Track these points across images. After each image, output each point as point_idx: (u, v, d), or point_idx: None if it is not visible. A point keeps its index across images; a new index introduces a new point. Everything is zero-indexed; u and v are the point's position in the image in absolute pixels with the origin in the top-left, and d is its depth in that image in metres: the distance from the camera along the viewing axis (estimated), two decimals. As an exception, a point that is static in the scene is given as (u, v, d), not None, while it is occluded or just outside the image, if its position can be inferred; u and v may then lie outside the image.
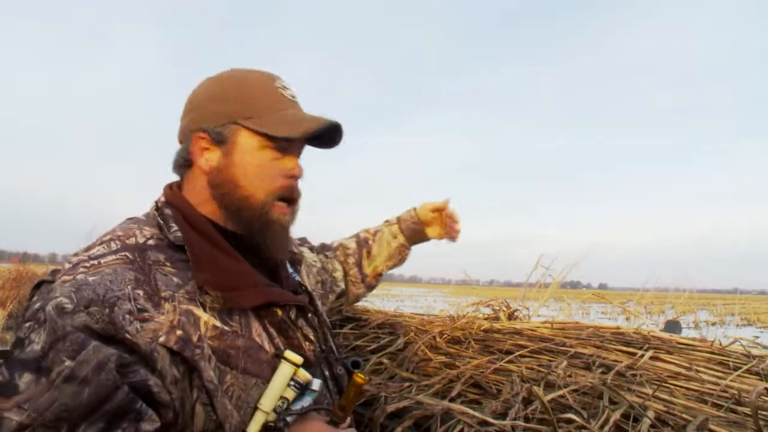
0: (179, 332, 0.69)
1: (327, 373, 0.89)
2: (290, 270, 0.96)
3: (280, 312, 0.82)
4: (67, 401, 0.59)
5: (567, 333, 1.32)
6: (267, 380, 0.74)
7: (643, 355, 1.10)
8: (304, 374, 0.75)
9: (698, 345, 1.16)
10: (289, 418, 0.73)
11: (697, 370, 1.02)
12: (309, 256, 1.20)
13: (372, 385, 1.15)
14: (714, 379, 0.98)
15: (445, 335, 1.38)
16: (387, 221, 1.36)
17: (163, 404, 0.67)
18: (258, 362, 0.75)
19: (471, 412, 0.90)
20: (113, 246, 0.74)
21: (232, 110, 0.80)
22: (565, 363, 1.09)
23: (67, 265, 0.71)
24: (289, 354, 0.75)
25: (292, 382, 0.75)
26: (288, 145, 0.83)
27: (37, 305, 0.66)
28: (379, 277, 1.33)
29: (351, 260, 1.30)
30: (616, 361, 1.09)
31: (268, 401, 0.73)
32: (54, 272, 0.72)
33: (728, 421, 0.83)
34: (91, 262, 0.71)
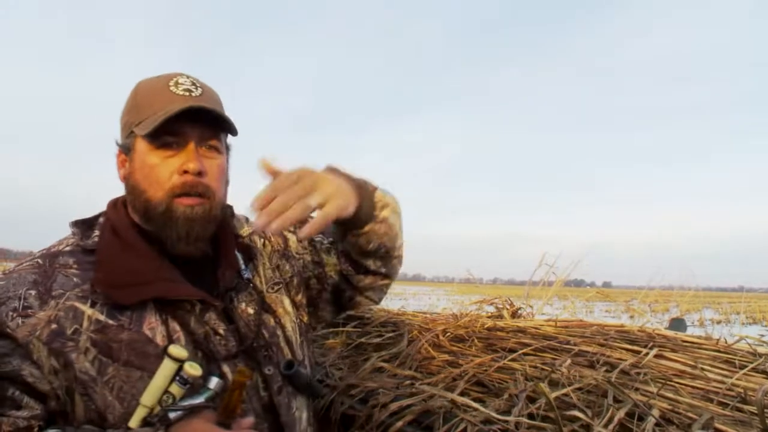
0: (53, 326, 0.75)
1: (228, 370, 0.82)
2: (242, 266, 0.94)
3: (188, 307, 0.83)
4: None
5: (571, 331, 1.31)
6: (152, 373, 0.75)
7: (647, 353, 1.09)
8: (193, 370, 0.75)
9: (704, 343, 1.16)
10: (172, 414, 0.73)
11: (703, 369, 1.01)
12: (293, 247, 1.06)
13: (375, 383, 1.14)
14: (720, 378, 0.98)
15: (449, 333, 1.38)
16: None
17: (43, 393, 0.74)
18: (143, 355, 0.77)
19: (475, 405, 0.89)
20: (36, 254, 0.84)
21: (128, 121, 0.86)
22: (569, 361, 1.08)
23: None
24: (172, 349, 0.76)
25: (178, 378, 0.75)
26: (176, 141, 0.83)
27: None
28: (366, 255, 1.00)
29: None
30: (620, 359, 1.08)
31: (148, 396, 0.74)
32: None
33: (734, 420, 0.82)
34: (14, 268, 0.82)
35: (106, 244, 0.84)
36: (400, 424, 0.97)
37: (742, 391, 0.91)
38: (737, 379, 0.96)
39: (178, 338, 0.80)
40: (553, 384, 0.98)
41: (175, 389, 0.74)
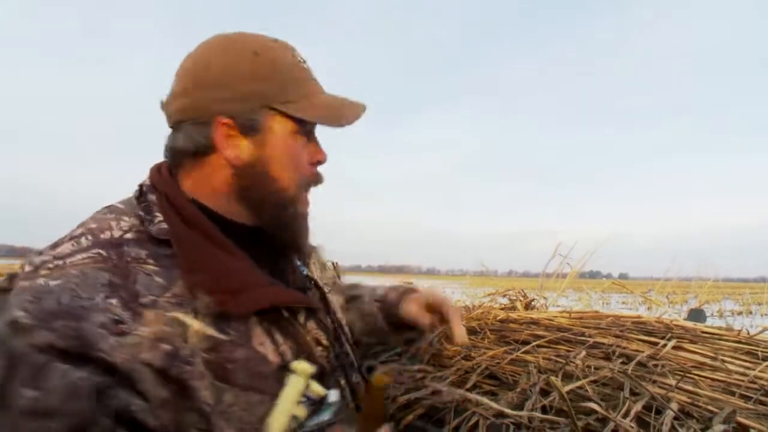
0: (165, 346, 0.58)
1: (342, 381, 0.78)
2: (297, 263, 0.85)
3: (286, 314, 0.70)
4: None
5: (585, 322, 1.28)
6: (273, 396, 0.63)
7: (665, 345, 1.06)
8: (316, 388, 0.64)
9: (724, 334, 1.12)
10: None
11: (724, 360, 0.98)
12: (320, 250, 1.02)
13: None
14: (742, 370, 0.95)
15: (461, 325, 1.36)
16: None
17: (152, 431, 0.57)
18: (260, 376, 0.63)
19: (487, 402, 0.87)
20: (84, 242, 0.62)
21: (265, 92, 0.70)
22: (583, 353, 1.06)
23: (28, 268, 0.60)
24: (299, 365, 0.64)
25: (304, 398, 0.63)
26: (312, 129, 0.77)
27: None
28: None
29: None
30: (637, 350, 1.05)
31: (277, 423, 0.61)
32: (11, 277, 0.61)
33: (757, 414, 0.79)
34: (56, 262, 0.59)
35: (184, 234, 0.65)
36: (410, 417, 0.96)
37: (765, 383, 0.88)
38: (760, 371, 0.92)
39: (284, 352, 0.67)
40: (568, 376, 0.96)
41: (301, 411, 0.63)
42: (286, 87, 0.71)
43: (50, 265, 0.59)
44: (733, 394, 0.87)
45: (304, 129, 0.74)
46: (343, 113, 0.74)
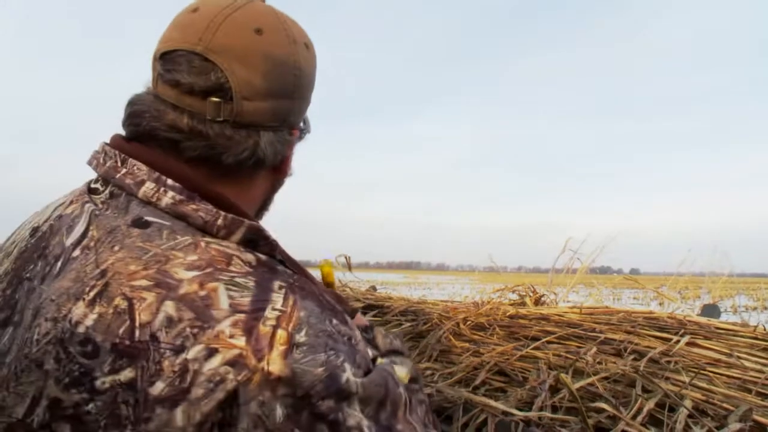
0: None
1: None
2: None
3: None
4: None
5: (596, 318, 1.27)
6: None
7: (678, 341, 1.04)
8: None
9: (739, 330, 1.10)
10: None
11: (739, 357, 0.96)
12: None
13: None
14: (758, 366, 0.93)
15: (469, 322, 1.35)
16: None
17: None
18: None
19: (493, 403, 0.86)
20: (260, 271, 0.52)
21: (308, 100, 0.66)
22: (594, 349, 1.04)
23: None
24: None
25: None
26: None
27: None
28: None
29: None
30: (649, 347, 1.04)
31: None
32: None
33: (774, 411, 0.77)
34: (299, 299, 0.51)
35: (286, 255, 0.60)
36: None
37: (782, 380, 0.86)
38: (777, 367, 0.90)
39: None
40: (578, 373, 0.94)
41: None
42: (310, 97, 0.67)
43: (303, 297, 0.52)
44: (749, 391, 0.85)
45: None
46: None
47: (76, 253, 0.52)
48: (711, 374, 0.91)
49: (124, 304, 0.47)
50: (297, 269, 0.58)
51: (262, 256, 0.54)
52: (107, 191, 0.57)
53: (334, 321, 0.52)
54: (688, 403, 0.79)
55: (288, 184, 0.72)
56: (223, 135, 0.56)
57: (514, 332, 1.25)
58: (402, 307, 1.61)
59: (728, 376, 0.91)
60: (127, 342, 0.45)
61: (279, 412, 0.45)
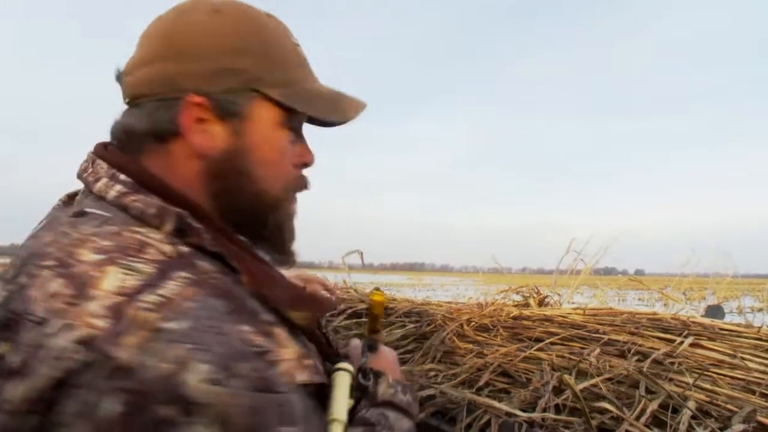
0: (307, 362, 0.51)
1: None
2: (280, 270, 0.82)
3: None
4: None
5: (600, 319, 1.27)
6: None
7: (682, 342, 1.04)
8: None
9: (744, 331, 1.10)
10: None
11: (743, 358, 0.96)
12: None
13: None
14: (762, 368, 0.93)
15: (473, 323, 1.35)
16: None
17: None
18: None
19: (496, 404, 0.87)
20: (160, 265, 0.48)
21: (252, 70, 0.57)
22: (597, 350, 1.04)
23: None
24: (343, 365, 0.63)
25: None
26: (301, 124, 0.65)
27: None
28: None
29: None
30: (653, 348, 1.04)
31: (341, 411, 0.60)
32: None
33: (778, 412, 0.77)
34: (178, 293, 0.46)
35: (222, 245, 0.53)
36: (422, 415, 0.95)
37: (786, 381, 0.86)
38: (781, 368, 0.90)
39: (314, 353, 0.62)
40: (581, 374, 0.95)
41: (350, 402, 0.63)
42: (276, 68, 0.59)
43: (181, 296, 0.46)
44: (753, 392, 0.85)
45: (293, 121, 0.62)
46: (342, 107, 0.64)
47: (23, 243, 0.54)
48: (715, 375, 0.91)
49: (24, 281, 0.46)
50: (245, 266, 0.52)
51: (185, 249, 0.50)
52: (81, 192, 0.58)
53: (245, 327, 0.45)
54: (691, 404, 0.79)
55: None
56: (122, 116, 0.59)
57: (518, 333, 1.25)
58: (406, 308, 1.61)
59: (732, 377, 0.91)
60: (11, 315, 0.44)
61: (108, 406, 0.39)
